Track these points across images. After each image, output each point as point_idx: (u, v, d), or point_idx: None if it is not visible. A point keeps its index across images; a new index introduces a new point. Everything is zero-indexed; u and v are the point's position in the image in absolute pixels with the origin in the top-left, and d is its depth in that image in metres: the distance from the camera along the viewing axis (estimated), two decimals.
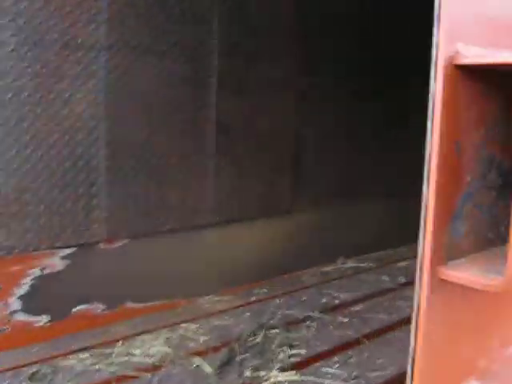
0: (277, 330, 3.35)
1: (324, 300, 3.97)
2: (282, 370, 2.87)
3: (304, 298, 4.00)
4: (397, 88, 4.96)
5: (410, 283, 4.08)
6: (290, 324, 3.50)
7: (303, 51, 4.34)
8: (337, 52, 4.61)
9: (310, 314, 3.68)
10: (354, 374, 2.89)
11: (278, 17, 4.23)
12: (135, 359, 2.97)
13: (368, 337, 3.37)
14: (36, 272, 3.17)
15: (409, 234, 5.16)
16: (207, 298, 3.89)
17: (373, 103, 4.93)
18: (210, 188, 3.96)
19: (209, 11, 3.81)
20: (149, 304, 3.65)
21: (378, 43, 4.86)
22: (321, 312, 3.73)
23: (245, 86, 4.06)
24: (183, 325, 3.45)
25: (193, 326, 3.42)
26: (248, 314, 3.68)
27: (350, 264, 4.76)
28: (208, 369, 2.86)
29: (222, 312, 3.69)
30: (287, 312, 3.71)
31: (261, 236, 4.28)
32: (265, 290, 4.13)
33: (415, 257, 4.26)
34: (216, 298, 3.90)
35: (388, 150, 5.14)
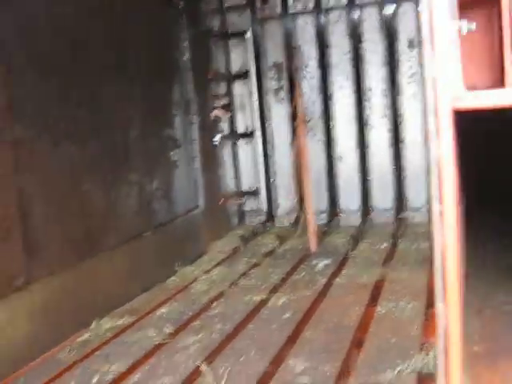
0: None
1: (95, 379, 3.38)
2: None
3: (72, 383, 3.36)
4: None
5: (179, 331, 3.81)
6: None
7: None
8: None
9: None
10: None
11: None
12: None
13: None
14: None
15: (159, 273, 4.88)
16: None
17: None
18: None
19: None
20: None
21: None
22: None
23: None
24: None
25: None
26: None
27: (107, 325, 4.18)
28: None
29: None
30: None
31: None
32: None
33: (169, 299, 4.12)
34: None
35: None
